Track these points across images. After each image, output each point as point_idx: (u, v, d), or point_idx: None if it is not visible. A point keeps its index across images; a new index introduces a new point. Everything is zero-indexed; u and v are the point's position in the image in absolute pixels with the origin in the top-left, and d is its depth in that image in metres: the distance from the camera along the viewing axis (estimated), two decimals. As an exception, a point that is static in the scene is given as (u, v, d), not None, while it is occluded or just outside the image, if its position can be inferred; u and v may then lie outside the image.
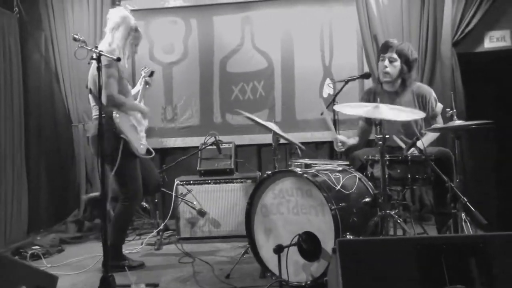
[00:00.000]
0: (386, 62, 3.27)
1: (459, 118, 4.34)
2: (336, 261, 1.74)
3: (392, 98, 3.34)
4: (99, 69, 2.45)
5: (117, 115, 3.04)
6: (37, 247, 3.62)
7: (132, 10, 4.81)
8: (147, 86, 3.54)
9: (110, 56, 2.49)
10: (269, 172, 2.81)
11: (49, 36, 4.65)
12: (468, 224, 2.69)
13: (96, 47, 2.52)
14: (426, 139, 3.28)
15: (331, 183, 2.65)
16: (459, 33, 4.49)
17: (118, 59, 2.51)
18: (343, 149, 3.31)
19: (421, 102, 3.32)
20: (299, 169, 2.75)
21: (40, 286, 2.15)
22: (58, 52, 4.64)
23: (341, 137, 3.31)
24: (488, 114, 4.84)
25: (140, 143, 3.19)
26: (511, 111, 5.14)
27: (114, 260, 3.09)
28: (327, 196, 2.51)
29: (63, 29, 4.60)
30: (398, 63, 3.25)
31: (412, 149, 2.79)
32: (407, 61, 3.24)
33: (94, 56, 2.45)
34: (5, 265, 2.03)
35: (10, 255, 3.66)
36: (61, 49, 4.62)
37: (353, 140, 3.45)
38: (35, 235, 4.21)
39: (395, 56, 3.25)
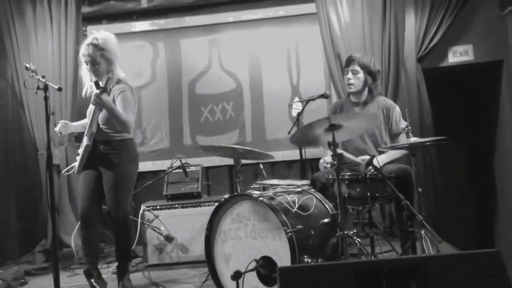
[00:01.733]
0: (350, 75, 3.41)
1: (427, 133, 4.42)
2: (278, 289, 1.70)
3: (360, 109, 3.44)
4: (46, 98, 2.41)
5: None
6: (-2, 278, 3.52)
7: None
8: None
9: (52, 85, 2.46)
10: (226, 196, 2.77)
11: (13, 64, 4.59)
12: (428, 241, 2.67)
13: (43, 77, 2.49)
14: (388, 156, 3.29)
15: (287, 206, 2.62)
16: (423, 48, 4.56)
17: (59, 89, 2.48)
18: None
19: (386, 115, 3.39)
20: (256, 192, 2.72)
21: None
22: (23, 80, 4.58)
23: (326, 159, 3.34)
24: (456, 128, 4.92)
25: (75, 161, 3.13)
26: (478, 124, 5.20)
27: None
28: (282, 220, 2.48)
29: (28, 57, 4.53)
30: (361, 75, 3.37)
31: (370, 167, 2.79)
32: (370, 72, 3.37)
33: (41, 86, 2.42)
34: None
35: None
36: (26, 77, 4.56)
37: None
38: (-1, 268, 4.10)
39: (357, 68, 3.38)
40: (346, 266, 1.71)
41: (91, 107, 3.05)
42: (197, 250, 3.87)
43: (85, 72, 3.11)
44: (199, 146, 3.13)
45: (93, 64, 3.00)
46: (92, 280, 3.19)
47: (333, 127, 2.59)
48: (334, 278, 1.67)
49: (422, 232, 2.66)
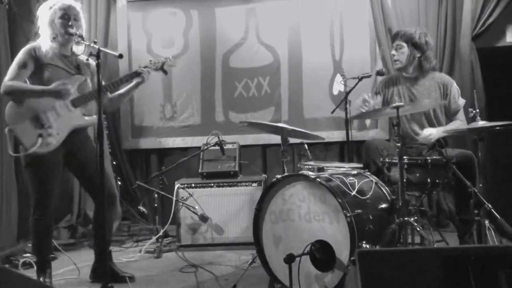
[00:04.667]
0: (393, 51, 3.48)
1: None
2: (355, 273, 1.75)
3: (411, 84, 3.49)
4: (98, 65, 2.45)
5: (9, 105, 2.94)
6: (28, 254, 3.62)
7: (129, 1, 4.85)
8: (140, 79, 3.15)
9: (112, 52, 2.50)
10: (279, 176, 2.81)
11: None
12: (493, 232, 2.70)
13: (95, 42, 2.52)
14: (445, 128, 3.30)
15: (346, 188, 2.66)
16: (479, 26, 4.48)
17: (120, 56, 2.51)
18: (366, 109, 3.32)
19: (443, 92, 3.43)
20: (311, 173, 2.75)
21: (38, 299, 2.16)
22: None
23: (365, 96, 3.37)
24: (510, 113, 4.86)
25: (42, 138, 2.87)
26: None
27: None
28: (342, 202, 2.51)
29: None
30: (405, 49, 3.42)
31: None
32: (415, 44, 3.39)
33: (93, 52, 2.46)
34: (5, 277, 2.04)
35: (1, 263, 3.69)
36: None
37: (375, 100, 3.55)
38: (25, 242, 4.20)
39: (401, 43, 3.43)
40: (430, 252, 1.75)
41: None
42: (233, 232, 3.96)
43: (48, 28, 2.95)
44: (246, 123, 3.16)
45: (76, 20, 2.95)
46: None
47: (397, 108, 2.61)
48: (418, 264, 1.71)
49: (486, 222, 2.69)
